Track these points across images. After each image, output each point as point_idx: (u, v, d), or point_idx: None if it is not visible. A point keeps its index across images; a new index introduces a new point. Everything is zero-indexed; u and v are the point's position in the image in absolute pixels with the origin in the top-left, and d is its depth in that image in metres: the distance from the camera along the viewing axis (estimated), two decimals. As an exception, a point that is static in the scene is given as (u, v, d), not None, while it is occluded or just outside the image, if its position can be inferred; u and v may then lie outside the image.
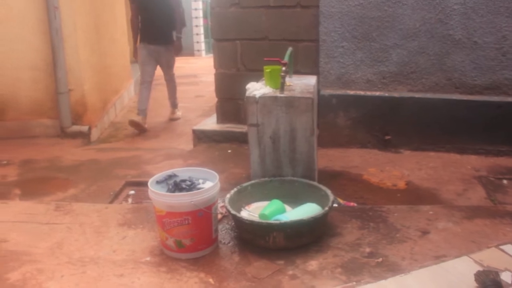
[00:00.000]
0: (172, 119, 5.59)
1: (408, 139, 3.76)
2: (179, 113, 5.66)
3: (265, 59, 2.75)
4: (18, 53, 4.52)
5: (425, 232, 2.37)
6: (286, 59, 2.66)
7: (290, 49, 2.83)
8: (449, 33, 3.58)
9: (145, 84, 5.27)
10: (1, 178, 3.60)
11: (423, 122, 3.70)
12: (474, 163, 3.51)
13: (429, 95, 3.70)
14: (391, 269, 2.06)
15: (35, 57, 4.55)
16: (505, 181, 3.20)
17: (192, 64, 10.30)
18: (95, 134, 4.84)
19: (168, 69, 5.47)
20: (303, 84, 2.85)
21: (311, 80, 2.99)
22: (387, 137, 3.78)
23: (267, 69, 2.71)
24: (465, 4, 3.51)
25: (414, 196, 3.02)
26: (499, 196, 2.96)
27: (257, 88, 2.66)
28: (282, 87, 2.56)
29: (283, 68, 2.52)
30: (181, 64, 10.53)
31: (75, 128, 4.67)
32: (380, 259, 2.13)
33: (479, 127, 3.63)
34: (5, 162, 3.97)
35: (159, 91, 6.34)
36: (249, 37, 3.95)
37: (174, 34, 5.38)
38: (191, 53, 12.53)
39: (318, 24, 3.73)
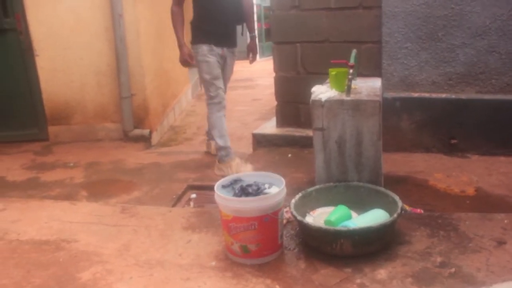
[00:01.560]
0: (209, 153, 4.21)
1: (476, 143, 3.59)
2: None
3: (332, 61, 2.70)
4: (85, 60, 4.70)
5: (500, 242, 2.24)
6: (352, 61, 2.61)
7: (354, 51, 2.77)
8: (525, 30, 3.40)
9: (220, 105, 3.65)
10: (69, 180, 3.74)
11: (493, 125, 3.52)
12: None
13: (499, 97, 3.52)
14: (466, 280, 1.95)
15: (100, 63, 4.71)
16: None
17: (247, 68, 10.35)
18: (155, 138, 4.95)
19: (227, 81, 3.94)
20: (368, 86, 2.78)
21: (376, 82, 2.92)
22: (453, 141, 3.63)
23: (333, 71, 2.66)
24: (540, -1, 3.33)
25: (485, 203, 2.87)
26: None
27: (322, 91, 2.62)
28: (348, 90, 2.51)
29: (350, 71, 2.46)
30: (238, 68, 10.65)
31: (137, 131, 4.79)
32: (453, 270, 2.04)
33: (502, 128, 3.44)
34: (72, 164, 4.13)
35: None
36: (309, 40, 3.91)
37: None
38: (246, 56, 12.63)
39: (380, 25, 3.64)
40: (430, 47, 3.57)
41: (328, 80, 2.80)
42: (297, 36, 3.94)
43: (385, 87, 3.69)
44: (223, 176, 3.14)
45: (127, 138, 4.77)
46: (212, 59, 3.58)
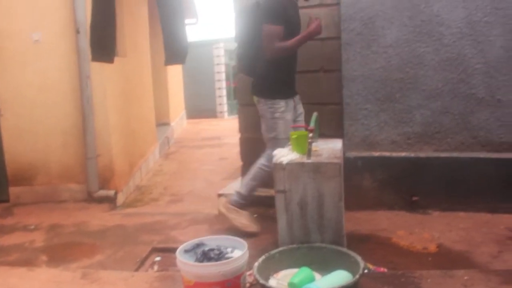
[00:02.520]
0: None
1: (437, 199, 3.70)
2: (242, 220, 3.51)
3: (291, 126, 2.79)
4: (51, 120, 4.69)
5: (461, 300, 2.28)
6: (312, 124, 2.70)
7: (315, 114, 2.87)
8: (472, 92, 3.60)
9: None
10: (28, 243, 3.63)
11: (451, 182, 3.65)
12: (507, 222, 3.42)
13: (455, 154, 3.68)
14: None
15: (66, 123, 4.70)
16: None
17: (215, 126, 10.50)
18: (121, 199, 4.89)
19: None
20: (329, 148, 2.86)
21: (337, 144, 3.00)
22: (415, 198, 3.72)
23: (294, 135, 2.74)
24: (487, 63, 3.56)
25: (446, 259, 2.93)
26: (536, 257, 2.87)
27: (284, 154, 2.68)
28: (309, 153, 2.58)
29: (310, 134, 2.54)
30: (204, 126, 10.78)
31: (102, 192, 4.73)
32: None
33: (509, 185, 3.57)
34: (32, 227, 4.02)
35: (182, 153, 6.43)
36: (273, 102, 4.02)
37: None
38: (213, 114, 12.79)
39: (341, 87, 3.80)
40: (389, 108, 3.74)
41: (289, 143, 2.87)
42: (261, 98, 4.05)
43: (347, 147, 3.80)
44: (225, 217, 3.47)
45: (91, 199, 4.70)
46: (289, 117, 3.35)
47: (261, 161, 3.45)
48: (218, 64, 13.59)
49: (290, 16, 3.22)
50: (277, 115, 3.31)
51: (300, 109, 3.56)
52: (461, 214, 3.62)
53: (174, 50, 3.07)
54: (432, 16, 3.60)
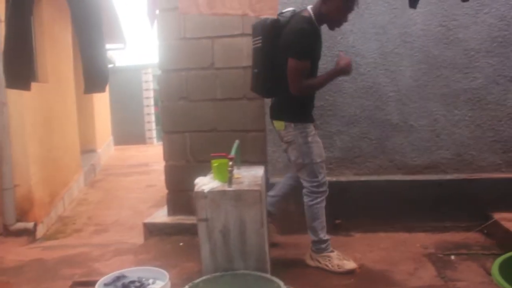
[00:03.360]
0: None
1: (358, 221, 3.83)
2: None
3: (212, 154, 2.81)
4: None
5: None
6: (233, 152, 2.73)
7: (237, 142, 2.92)
8: (387, 118, 3.81)
9: (326, 193, 3.23)
10: None
11: (371, 204, 3.80)
12: (423, 240, 3.60)
13: (374, 178, 3.84)
14: None
15: (-20, 153, 4.46)
16: (453, 257, 3.28)
17: (143, 153, 10.32)
18: (41, 231, 4.67)
19: None
20: (251, 175, 2.90)
21: (259, 171, 3.06)
22: (337, 221, 3.83)
23: (215, 163, 2.76)
24: (399, 92, 3.78)
25: (368, 279, 3.02)
26: (448, 273, 3.02)
27: (205, 183, 2.69)
28: (230, 180, 2.61)
29: (230, 163, 2.57)
30: (133, 153, 10.57)
31: (20, 225, 4.49)
32: None
33: (423, 205, 3.78)
34: None
35: (109, 181, 6.26)
36: (198, 129, 4.04)
37: None
38: (142, 140, 12.58)
39: (264, 114, 3.88)
40: (310, 134, 3.85)
41: (211, 171, 2.89)
42: (186, 126, 4.05)
43: (271, 173, 3.87)
44: (320, 268, 3.18)
45: (8, 232, 4.45)
46: (320, 140, 3.16)
47: (307, 199, 3.21)
48: (147, 89, 13.45)
49: (315, 49, 3.08)
50: (310, 139, 3.09)
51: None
52: (381, 234, 3.77)
53: (93, 78, 2.99)
54: (348, 47, 3.79)
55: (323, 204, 3.21)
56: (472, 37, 3.72)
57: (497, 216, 3.60)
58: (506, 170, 3.78)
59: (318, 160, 3.11)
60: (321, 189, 3.15)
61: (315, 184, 3.14)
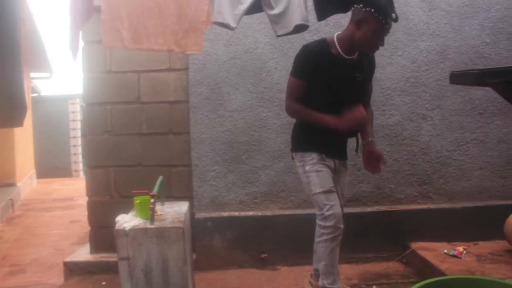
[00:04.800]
0: None
1: (284, 255, 3.88)
2: None
3: (134, 191, 2.77)
4: None
5: None
6: (156, 189, 2.71)
7: (160, 178, 2.90)
8: (311, 154, 3.92)
9: (335, 231, 2.76)
10: None
11: (296, 237, 3.85)
12: (346, 272, 3.68)
13: (299, 211, 3.92)
14: None
15: None
16: (374, 287, 3.39)
17: (69, 186, 9.91)
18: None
19: (342, 200, 2.99)
20: (174, 212, 2.88)
21: (183, 207, 3.04)
22: (263, 255, 3.86)
23: (137, 200, 2.72)
24: (322, 128, 3.92)
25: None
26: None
27: (127, 220, 2.64)
28: (152, 218, 2.57)
29: (152, 200, 2.54)
30: (57, 186, 10.13)
31: None
32: None
33: (346, 237, 3.82)
34: None
35: (29, 217, 5.94)
36: (122, 164, 3.96)
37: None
38: (68, 173, 12.11)
39: (190, 149, 3.89)
40: (236, 169, 3.90)
41: (134, 209, 2.84)
42: (110, 160, 3.97)
43: (196, 208, 3.86)
44: None
45: None
46: (325, 169, 2.79)
47: (315, 235, 2.88)
48: (73, 120, 13.01)
49: (316, 72, 2.73)
50: (308, 168, 2.79)
51: (342, 176, 3.01)
52: (307, 267, 3.79)
53: (9, 112, 2.87)
54: (273, 84, 3.90)
55: (332, 245, 2.74)
56: (388, 77, 3.95)
57: (415, 245, 3.78)
58: (421, 202, 4.00)
59: (318, 190, 2.74)
60: (327, 224, 2.71)
61: (320, 217, 2.77)
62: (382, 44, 2.73)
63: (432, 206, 3.97)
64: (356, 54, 2.80)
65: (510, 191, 4.01)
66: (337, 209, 2.71)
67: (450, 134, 3.99)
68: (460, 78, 1.66)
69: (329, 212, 2.70)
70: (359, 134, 2.98)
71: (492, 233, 3.73)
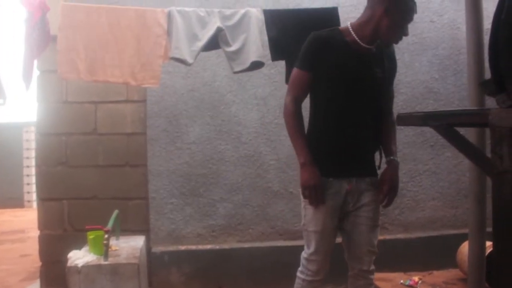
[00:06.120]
0: None
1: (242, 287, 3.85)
2: None
3: (87, 227, 2.71)
4: None
5: None
6: (110, 224, 2.66)
7: (116, 212, 2.85)
8: (269, 186, 3.95)
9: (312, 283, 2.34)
10: None
11: (254, 269, 3.84)
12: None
13: (257, 244, 3.92)
14: None
15: None
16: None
17: (20, 217, 9.51)
18: None
19: (373, 239, 2.33)
20: (129, 247, 2.83)
21: (139, 241, 3.00)
22: (222, 288, 3.83)
23: (90, 235, 2.66)
24: (279, 160, 3.96)
25: None
26: None
27: (80, 257, 2.57)
28: (106, 254, 2.52)
29: (106, 235, 2.49)
30: (7, 218, 9.72)
31: None
32: None
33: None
34: None
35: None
36: (77, 196, 3.86)
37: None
38: (20, 204, 11.68)
39: (147, 182, 3.85)
40: (194, 202, 3.88)
41: (87, 244, 2.77)
42: (65, 193, 3.86)
43: (153, 241, 3.80)
44: None
45: None
46: (329, 202, 2.24)
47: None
48: (28, 148, 12.62)
49: (332, 61, 2.23)
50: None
51: (367, 197, 2.28)
52: (266, 300, 3.80)
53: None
54: (231, 117, 3.93)
55: (307, 286, 2.35)
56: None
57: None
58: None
59: (311, 228, 2.28)
60: (308, 267, 2.31)
61: (304, 255, 2.36)
62: (407, 34, 2.26)
63: (388, 237, 4.03)
64: (375, 45, 2.28)
65: (461, 220, 4.13)
66: (323, 257, 2.29)
67: (404, 166, 4.09)
68: (406, 120, 1.75)
69: (313, 258, 2.30)
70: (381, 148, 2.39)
71: (446, 262, 3.83)
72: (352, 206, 2.25)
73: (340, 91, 2.23)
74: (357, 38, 2.22)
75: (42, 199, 3.92)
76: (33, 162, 12.72)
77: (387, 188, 2.26)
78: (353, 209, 2.25)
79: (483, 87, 2.48)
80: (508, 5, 1.26)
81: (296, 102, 2.29)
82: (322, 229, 2.24)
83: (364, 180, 2.27)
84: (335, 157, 2.24)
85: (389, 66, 2.31)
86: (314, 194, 2.19)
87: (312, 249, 2.27)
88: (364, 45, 2.22)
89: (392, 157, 2.31)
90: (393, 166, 2.30)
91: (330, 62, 2.21)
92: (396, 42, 2.30)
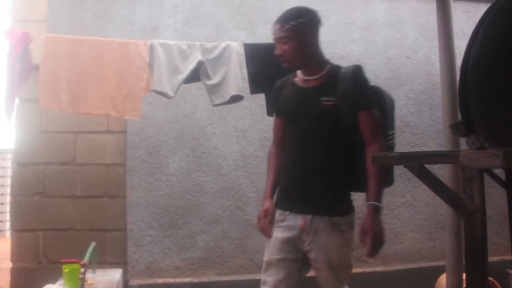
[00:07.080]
0: None
1: (220, 320, 3.80)
2: None
3: (62, 260, 2.66)
4: None
5: None
6: (87, 257, 2.61)
7: (93, 244, 2.81)
8: (248, 218, 3.95)
9: None
10: None
11: (233, 302, 3.81)
12: None
13: (235, 277, 3.89)
14: None
15: None
16: None
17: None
18: None
19: (335, 279, 2.20)
20: (106, 280, 2.79)
21: (116, 275, 2.95)
22: (199, 322, 3.77)
23: (66, 269, 2.61)
24: (259, 193, 3.96)
25: None
26: None
27: (53, 291, 2.52)
28: (81, 288, 2.47)
29: (82, 269, 2.45)
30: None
31: None
32: None
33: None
34: None
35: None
36: (53, 227, 3.79)
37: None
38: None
39: (125, 213, 3.81)
40: (172, 234, 3.85)
41: (62, 278, 2.72)
42: (40, 223, 3.78)
43: (131, 274, 3.74)
44: None
45: None
46: (279, 235, 2.19)
47: None
48: (3, 176, 12.40)
49: (280, 102, 2.34)
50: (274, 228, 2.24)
51: (324, 238, 2.15)
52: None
53: None
54: (211, 149, 3.95)
55: None
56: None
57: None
58: (356, 265, 3.84)
59: (264, 258, 2.25)
60: None
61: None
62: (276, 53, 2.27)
63: (367, 269, 4.05)
64: (322, 73, 2.22)
65: (439, 252, 4.18)
66: None
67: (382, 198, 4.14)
68: (381, 160, 1.79)
69: None
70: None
71: (425, 294, 3.85)
72: (308, 244, 2.14)
73: (289, 128, 2.29)
74: (301, 74, 2.26)
75: (16, 230, 3.84)
76: (8, 190, 12.48)
77: (369, 240, 2.11)
78: (309, 249, 2.14)
79: (454, 129, 2.60)
80: (474, 54, 1.33)
81: (276, 145, 2.40)
82: (268, 260, 2.20)
83: (322, 218, 2.14)
84: (289, 192, 2.22)
85: (345, 90, 2.13)
86: (258, 224, 2.28)
87: (262, 281, 2.22)
88: (307, 78, 2.23)
89: (370, 202, 2.16)
90: (369, 213, 2.14)
91: (280, 104, 2.32)
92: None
